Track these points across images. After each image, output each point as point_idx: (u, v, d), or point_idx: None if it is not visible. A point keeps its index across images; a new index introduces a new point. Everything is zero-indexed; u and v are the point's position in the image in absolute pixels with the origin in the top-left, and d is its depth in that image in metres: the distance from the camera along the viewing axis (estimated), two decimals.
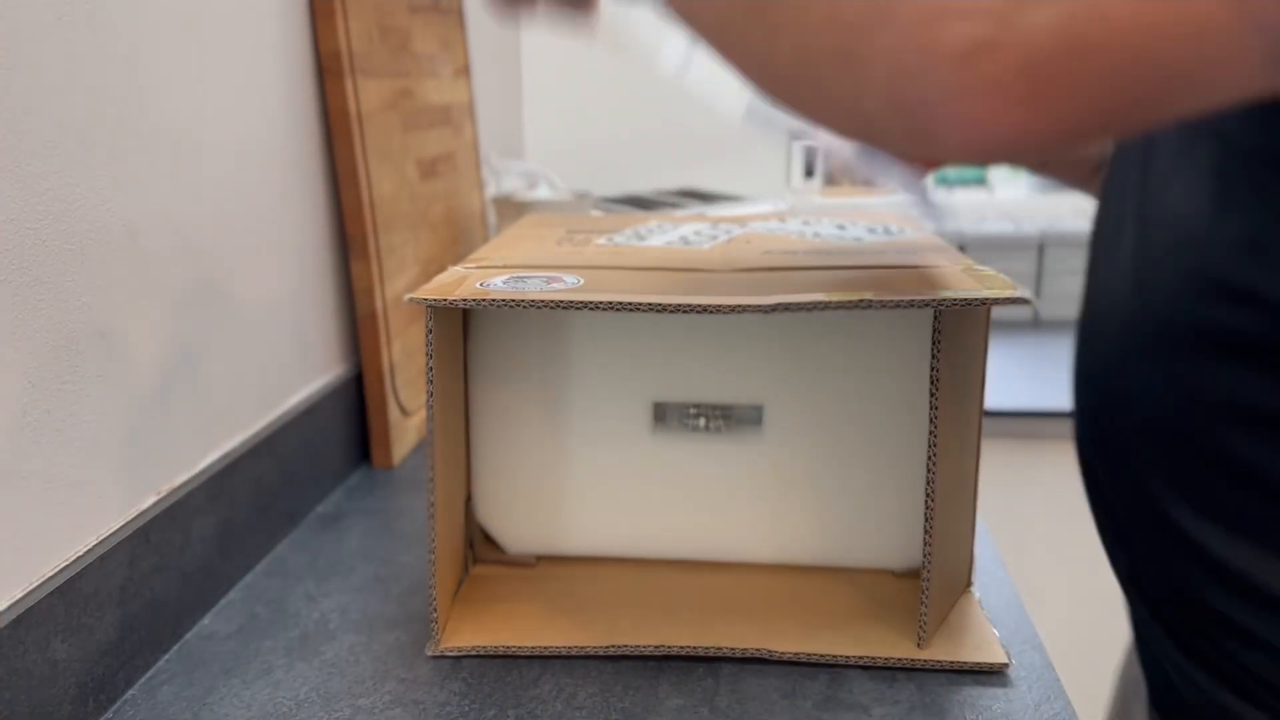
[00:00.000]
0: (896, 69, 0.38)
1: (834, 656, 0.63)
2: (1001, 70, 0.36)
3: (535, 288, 0.61)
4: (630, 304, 0.58)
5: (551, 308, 0.59)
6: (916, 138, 0.40)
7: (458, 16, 1.26)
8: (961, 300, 0.57)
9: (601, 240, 0.79)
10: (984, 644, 0.64)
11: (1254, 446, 0.50)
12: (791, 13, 0.41)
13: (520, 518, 0.75)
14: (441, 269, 0.99)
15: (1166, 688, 0.61)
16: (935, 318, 0.60)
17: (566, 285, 0.62)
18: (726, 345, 0.71)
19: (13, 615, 0.53)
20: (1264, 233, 0.49)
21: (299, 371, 0.87)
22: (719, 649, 0.63)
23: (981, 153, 0.39)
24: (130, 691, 0.62)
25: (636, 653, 0.64)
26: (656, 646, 0.64)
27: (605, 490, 0.74)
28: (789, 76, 0.43)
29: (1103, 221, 0.64)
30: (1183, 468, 0.54)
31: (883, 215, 0.92)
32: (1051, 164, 0.79)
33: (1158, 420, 0.55)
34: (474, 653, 0.64)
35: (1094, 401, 0.62)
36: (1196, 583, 0.53)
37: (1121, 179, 0.62)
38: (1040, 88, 0.36)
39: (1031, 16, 0.36)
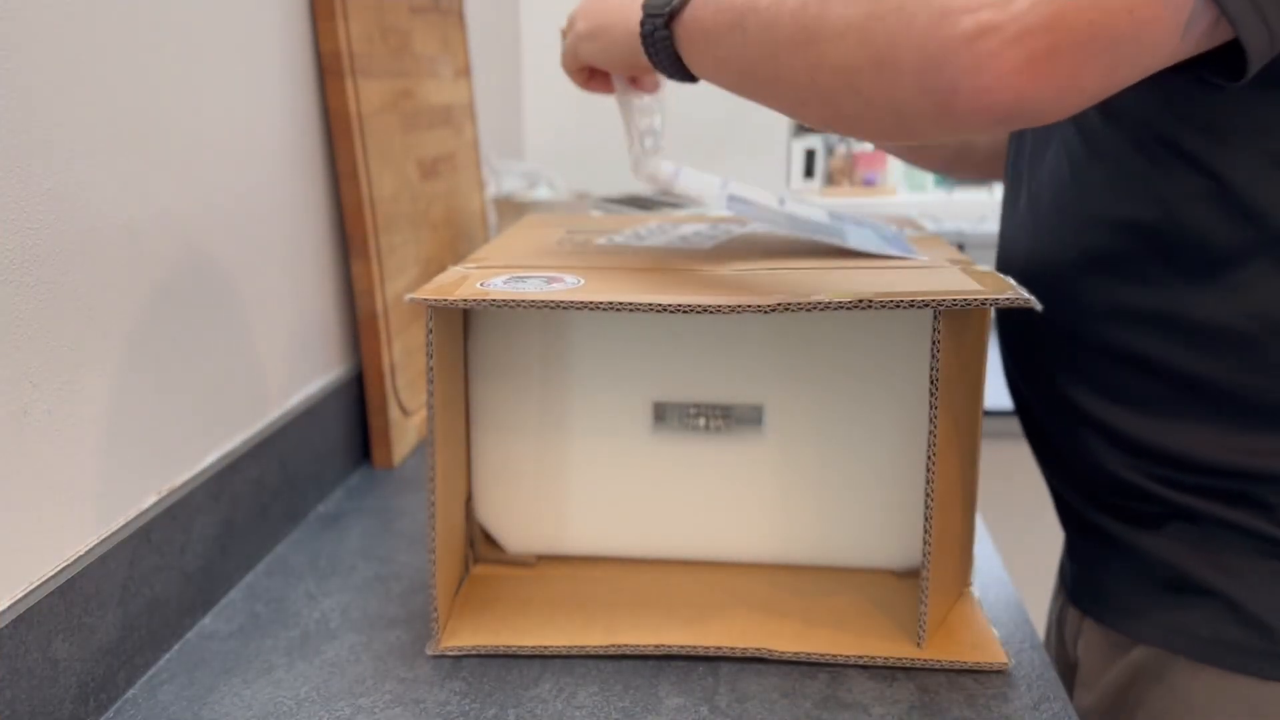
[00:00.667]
0: (923, 63, 0.48)
1: (834, 656, 0.63)
2: (1002, 45, 0.46)
3: (535, 288, 0.61)
4: (630, 304, 0.58)
5: (551, 308, 0.59)
6: (943, 115, 0.49)
7: (458, 17, 1.26)
8: (961, 300, 0.57)
9: (601, 240, 0.79)
10: (984, 644, 0.64)
11: (1133, 337, 0.66)
12: (828, 43, 0.51)
13: (520, 517, 0.75)
14: (442, 269, 0.99)
15: (1076, 530, 0.77)
16: (935, 318, 0.60)
17: (566, 285, 0.62)
18: (726, 345, 0.71)
19: (13, 615, 0.53)
20: (1121, 169, 0.64)
21: (299, 371, 0.87)
22: (719, 649, 0.64)
23: (996, 119, 0.48)
24: (131, 691, 0.62)
25: (636, 653, 0.64)
26: (656, 646, 0.64)
27: (605, 490, 0.74)
28: (832, 93, 0.53)
29: (1006, 187, 0.80)
30: (1081, 360, 0.69)
31: (883, 216, 0.92)
32: (958, 161, 0.94)
33: (1060, 327, 0.69)
34: (474, 652, 0.65)
35: (1011, 320, 0.76)
36: (1089, 443, 0.70)
37: (1015, 151, 0.77)
38: (1034, 58, 0.46)
39: (1021, 1, 0.46)
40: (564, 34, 0.74)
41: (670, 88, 0.77)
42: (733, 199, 0.75)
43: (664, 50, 0.62)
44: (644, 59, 0.65)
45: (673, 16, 0.61)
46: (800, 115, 0.57)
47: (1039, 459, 0.80)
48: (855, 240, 0.74)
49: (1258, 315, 0.61)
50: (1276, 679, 0.63)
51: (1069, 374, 0.71)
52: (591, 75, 0.75)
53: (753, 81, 0.58)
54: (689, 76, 0.64)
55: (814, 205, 0.83)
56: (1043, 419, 0.76)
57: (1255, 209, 0.60)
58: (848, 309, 0.58)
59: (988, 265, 0.69)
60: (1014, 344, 0.77)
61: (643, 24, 0.63)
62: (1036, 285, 0.70)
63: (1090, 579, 0.74)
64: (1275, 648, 0.63)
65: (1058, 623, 0.82)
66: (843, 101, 0.53)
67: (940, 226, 1.58)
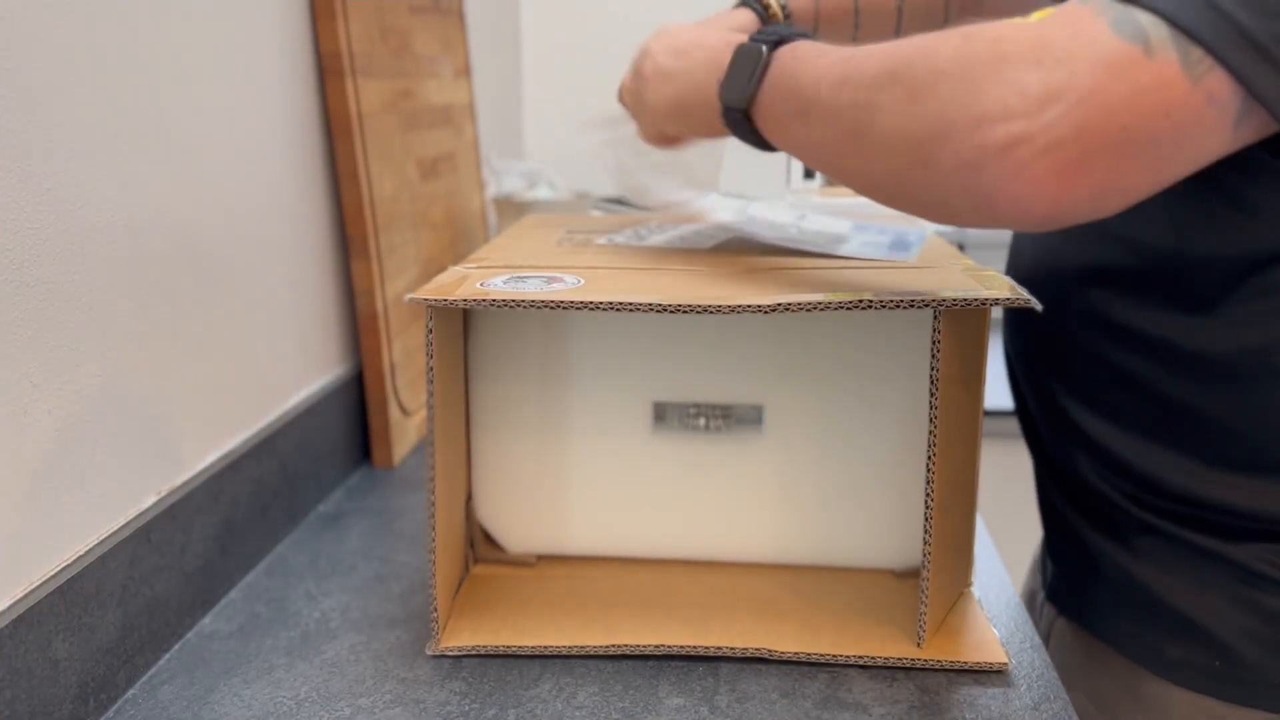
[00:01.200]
0: (961, 170, 0.50)
1: (834, 656, 0.63)
2: (1032, 156, 0.48)
3: (535, 288, 0.61)
4: (630, 304, 0.58)
5: (551, 308, 0.59)
6: (986, 216, 0.51)
7: (458, 17, 1.26)
8: (961, 300, 0.57)
9: (601, 240, 0.79)
10: (983, 644, 0.64)
11: (1124, 355, 0.66)
12: (876, 147, 0.54)
13: (520, 518, 0.75)
14: (442, 269, 0.99)
15: (1056, 530, 0.79)
16: (935, 318, 0.60)
17: (566, 285, 0.62)
18: (726, 345, 0.71)
19: (13, 615, 0.53)
20: None
21: (299, 371, 0.87)
22: (719, 649, 0.64)
23: (1035, 222, 0.51)
24: (131, 691, 0.62)
25: (636, 653, 0.64)
26: (656, 646, 0.64)
27: (605, 490, 0.74)
28: (886, 188, 0.56)
29: None
30: (1075, 369, 0.70)
31: (884, 216, 0.92)
32: None
33: (1060, 334, 0.70)
34: (474, 652, 0.64)
35: (1016, 321, 0.78)
36: (1074, 451, 0.72)
37: None
38: (1065, 167, 0.48)
39: (1051, 111, 0.47)
40: (635, 111, 0.78)
41: None
42: (752, 221, 0.78)
43: (751, 136, 0.65)
44: (724, 133, 0.68)
45: (750, 105, 0.63)
46: (866, 195, 0.59)
47: (1033, 456, 0.81)
48: (856, 249, 0.73)
49: (1251, 353, 0.61)
50: (1242, 703, 0.65)
51: (1063, 381, 0.72)
52: (670, 138, 0.79)
53: (825, 167, 0.60)
54: (771, 148, 0.66)
55: (836, 219, 0.84)
56: (1038, 420, 0.77)
57: (1277, 247, 0.59)
58: (848, 309, 0.58)
59: (988, 266, 0.69)
60: (1018, 344, 0.79)
61: (725, 114, 0.65)
62: (1041, 290, 0.69)
63: (1068, 581, 0.76)
64: (1242, 673, 0.65)
65: (1027, 610, 0.83)
66: (896, 196, 0.56)
67: (940, 226, 1.58)
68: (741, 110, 0.63)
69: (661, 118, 0.73)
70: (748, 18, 0.83)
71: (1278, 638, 0.64)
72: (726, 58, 0.64)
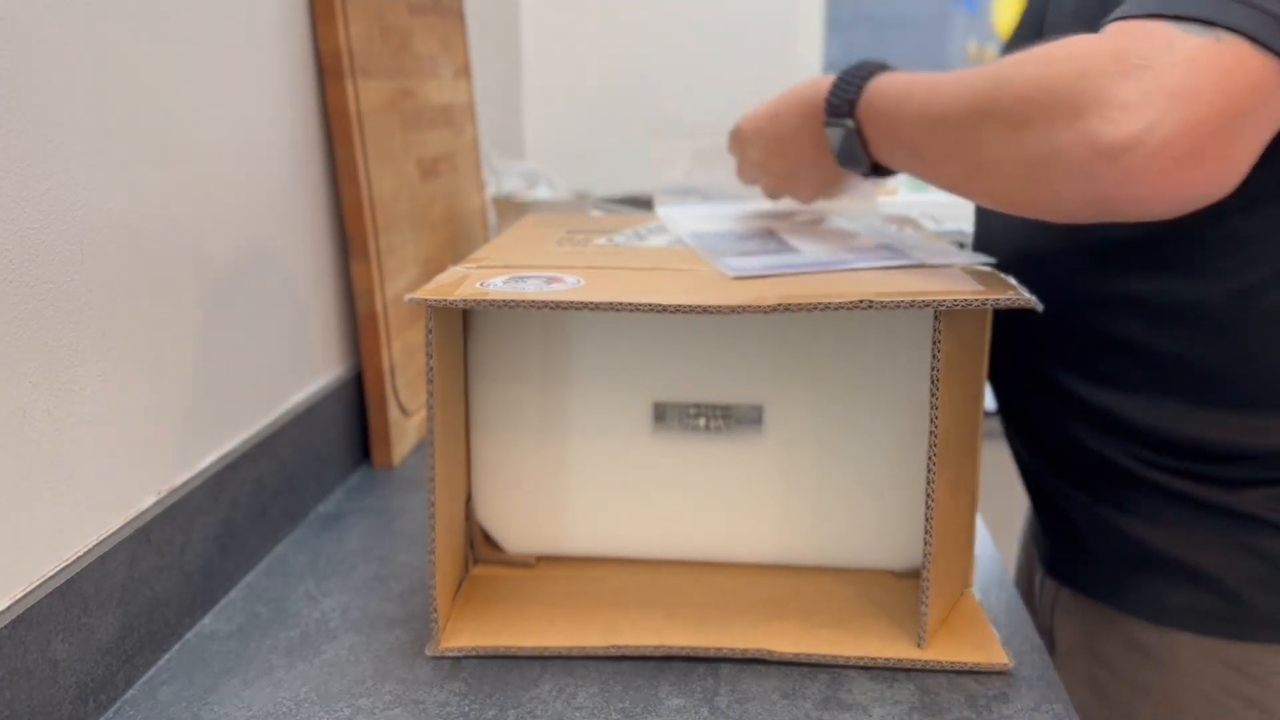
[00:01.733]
0: (1079, 182, 0.54)
1: (834, 657, 0.63)
2: (1146, 160, 0.51)
3: (535, 288, 0.61)
4: (630, 304, 0.58)
5: (551, 308, 0.59)
6: (1107, 215, 0.56)
7: (458, 17, 1.26)
8: (961, 300, 0.57)
9: (601, 240, 0.79)
10: (984, 644, 0.64)
11: (1118, 321, 0.70)
12: (990, 170, 0.59)
13: (520, 518, 0.75)
14: (441, 269, 0.99)
15: (1045, 505, 0.81)
16: (935, 318, 0.60)
17: (566, 285, 0.62)
18: (726, 345, 0.71)
19: (13, 615, 0.53)
20: None
21: (299, 371, 0.87)
22: (719, 649, 0.63)
23: (1159, 215, 0.54)
24: (130, 691, 0.62)
25: (636, 653, 0.64)
26: (656, 647, 0.64)
27: (605, 490, 0.74)
28: (1011, 204, 0.60)
29: None
30: (1064, 341, 0.73)
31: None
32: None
33: (1050, 312, 0.71)
34: (474, 653, 0.64)
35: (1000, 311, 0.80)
36: (1068, 421, 0.74)
37: None
38: (1179, 163, 0.51)
39: (1150, 114, 0.51)
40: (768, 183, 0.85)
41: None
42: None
43: (869, 170, 0.74)
44: (842, 176, 0.78)
45: (867, 152, 0.72)
46: (991, 207, 0.64)
47: (1015, 435, 0.83)
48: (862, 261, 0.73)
49: (1232, 300, 0.65)
50: (1243, 639, 0.69)
51: (1051, 354, 0.74)
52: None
53: (936, 182, 0.66)
54: (887, 173, 0.74)
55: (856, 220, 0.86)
56: (1021, 396, 0.80)
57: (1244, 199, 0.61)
58: (848, 309, 0.58)
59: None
60: (994, 324, 0.80)
61: (843, 160, 0.74)
62: (1020, 271, 0.71)
63: (1065, 552, 0.79)
64: (1241, 611, 0.69)
65: (1026, 595, 0.86)
66: (1022, 208, 0.60)
67: (940, 226, 1.58)
68: (864, 162, 0.72)
69: (784, 180, 0.82)
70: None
71: (1275, 576, 0.68)
72: (816, 139, 0.76)
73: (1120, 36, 0.53)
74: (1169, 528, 0.71)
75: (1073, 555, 0.78)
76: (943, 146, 0.63)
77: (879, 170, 0.74)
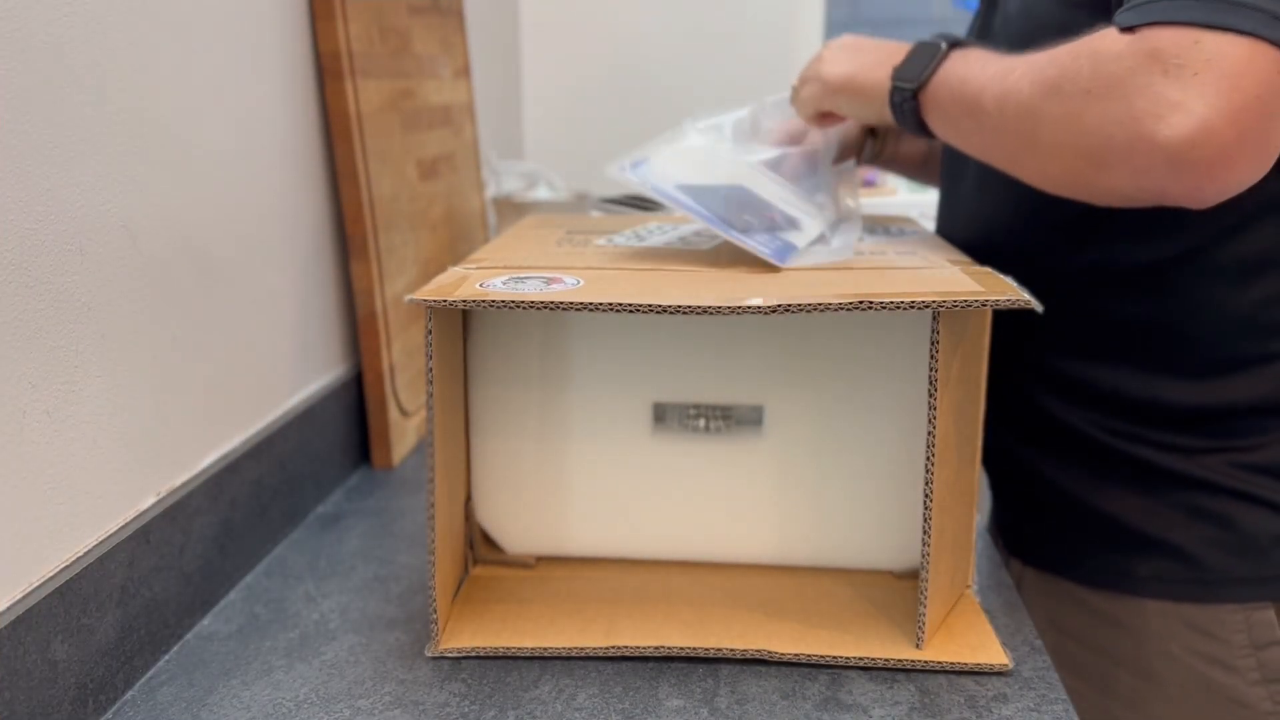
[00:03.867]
0: (1134, 173, 0.57)
1: (834, 657, 0.63)
2: (1195, 151, 0.54)
3: (534, 288, 0.61)
4: (630, 304, 0.58)
5: (551, 309, 0.59)
6: (1165, 201, 0.59)
7: (458, 17, 1.26)
8: (961, 301, 0.57)
9: (601, 240, 0.78)
10: (984, 645, 0.64)
11: (1068, 288, 0.74)
12: (1047, 151, 0.62)
13: (520, 518, 0.75)
14: (441, 269, 0.99)
15: (1008, 485, 0.85)
16: (935, 318, 0.60)
17: (566, 286, 0.62)
18: (726, 345, 0.71)
19: (12, 615, 0.53)
20: None
21: (299, 372, 0.87)
22: (719, 650, 0.63)
23: (1211, 200, 0.58)
24: (130, 692, 0.62)
25: (636, 653, 0.64)
26: (656, 647, 0.64)
27: (605, 491, 0.73)
28: (1061, 183, 0.63)
29: (946, 171, 0.89)
30: (1046, 320, 0.76)
31: (884, 216, 0.92)
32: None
33: (1038, 292, 0.72)
34: (473, 654, 0.64)
35: None
36: (1031, 392, 0.78)
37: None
38: (1227, 152, 0.54)
39: (1195, 110, 0.54)
40: (802, 83, 0.84)
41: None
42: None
43: (911, 117, 0.74)
44: (886, 117, 0.76)
45: (920, 89, 0.72)
46: (1042, 189, 0.66)
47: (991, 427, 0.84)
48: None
49: (1173, 262, 0.70)
50: (1207, 601, 0.73)
51: (1018, 329, 0.78)
52: (826, 115, 0.86)
53: (992, 158, 0.68)
54: (932, 136, 0.74)
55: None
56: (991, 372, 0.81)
57: None
58: (848, 310, 0.58)
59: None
60: None
61: (892, 94, 0.74)
62: (992, 255, 0.74)
63: (1031, 532, 0.82)
64: (1204, 575, 0.73)
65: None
66: (1074, 188, 0.63)
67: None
68: (911, 91, 0.72)
69: (832, 90, 0.81)
70: None
71: (1236, 540, 0.72)
72: (899, 56, 0.75)
73: (1155, 37, 0.56)
74: (1132, 499, 0.74)
75: (1038, 534, 0.81)
76: (1002, 117, 0.65)
77: (925, 131, 0.75)
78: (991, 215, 0.80)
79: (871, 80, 0.77)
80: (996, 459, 0.84)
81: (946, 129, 0.72)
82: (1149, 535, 0.74)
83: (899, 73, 0.73)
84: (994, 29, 0.82)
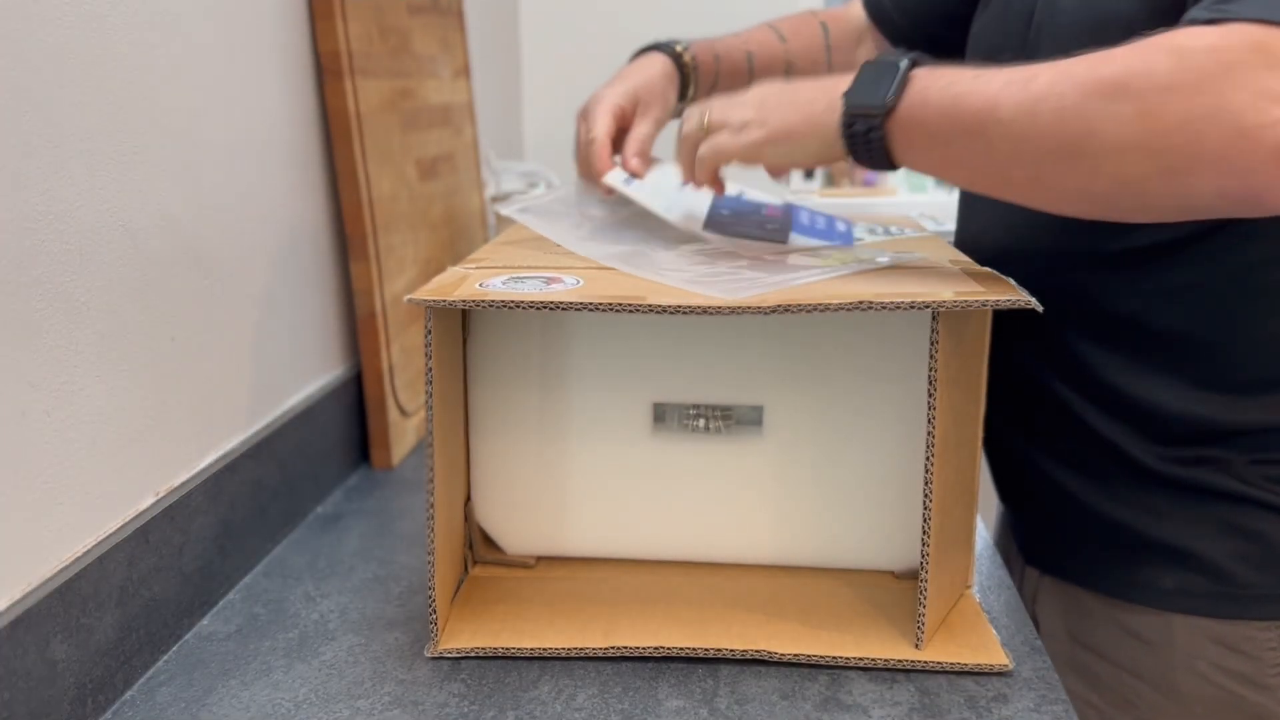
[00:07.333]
0: (1224, 176, 0.53)
1: (834, 658, 0.63)
2: None
3: (534, 288, 0.61)
4: (630, 305, 0.58)
5: (550, 309, 0.59)
6: (1242, 210, 0.55)
7: (457, 17, 1.26)
8: (961, 301, 0.57)
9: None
10: (984, 645, 0.64)
11: (1121, 302, 0.72)
12: (1105, 158, 0.55)
13: (520, 518, 0.75)
14: (441, 269, 0.99)
15: (1024, 494, 0.83)
16: (935, 318, 0.60)
17: (566, 286, 0.62)
18: (726, 345, 0.71)
19: (11, 616, 0.53)
20: None
21: (298, 372, 0.87)
22: (719, 650, 0.63)
23: None
24: (129, 692, 0.62)
25: (636, 654, 0.64)
26: (656, 648, 0.64)
27: (605, 491, 0.73)
28: (1107, 197, 0.57)
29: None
30: (1096, 332, 0.74)
31: (884, 216, 0.92)
32: None
33: (1060, 289, 0.71)
34: (473, 654, 0.64)
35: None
36: (1074, 408, 0.75)
37: None
38: None
39: None
40: (704, 131, 0.73)
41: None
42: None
43: (875, 146, 0.64)
44: (835, 155, 0.66)
45: (888, 114, 0.62)
46: (1059, 210, 0.61)
47: (1005, 424, 0.81)
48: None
49: (1226, 279, 0.68)
50: (1236, 617, 0.71)
51: (1066, 345, 0.75)
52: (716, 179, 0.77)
53: (995, 182, 0.62)
54: (892, 167, 0.65)
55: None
56: (1016, 381, 0.79)
57: None
58: (848, 310, 0.58)
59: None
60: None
61: (849, 124, 0.64)
62: (1014, 260, 0.71)
63: (1048, 541, 0.80)
64: (1232, 590, 0.71)
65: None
66: (1120, 201, 0.57)
67: (940, 226, 1.58)
68: (879, 117, 0.62)
69: (774, 139, 0.69)
70: (664, 62, 0.91)
71: (1264, 554, 0.70)
72: (839, 85, 0.65)
73: (1248, 31, 0.52)
74: (1159, 512, 0.72)
75: (1056, 543, 0.79)
76: (1032, 126, 0.58)
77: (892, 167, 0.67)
78: (1025, 222, 0.72)
79: (806, 118, 0.67)
80: (1016, 469, 0.82)
81: (928, 154, 0.63)
82: (1176, 548, 0.72)
83: (852, 98, 0.64)
84: (1036, 20, 0.74)
